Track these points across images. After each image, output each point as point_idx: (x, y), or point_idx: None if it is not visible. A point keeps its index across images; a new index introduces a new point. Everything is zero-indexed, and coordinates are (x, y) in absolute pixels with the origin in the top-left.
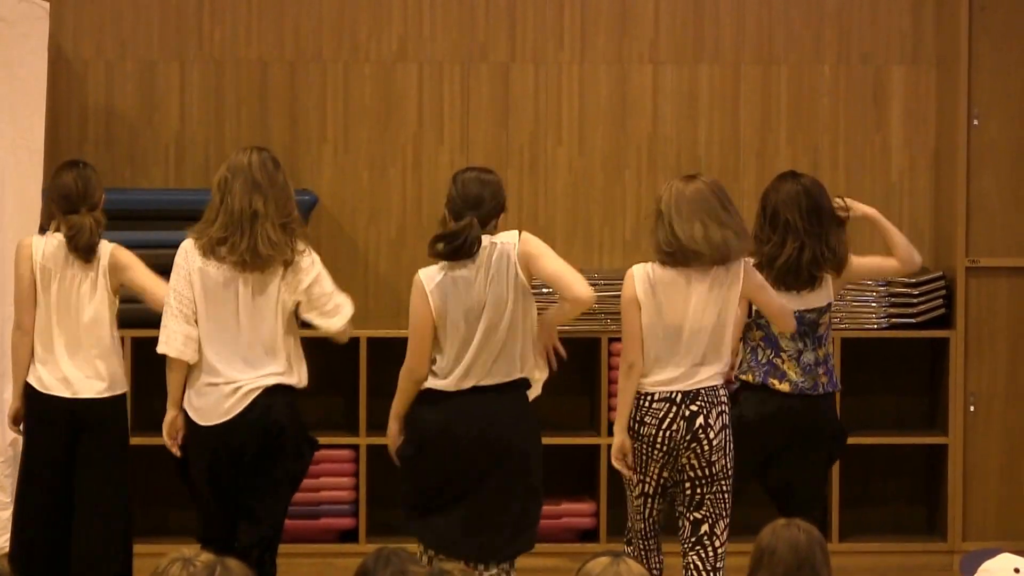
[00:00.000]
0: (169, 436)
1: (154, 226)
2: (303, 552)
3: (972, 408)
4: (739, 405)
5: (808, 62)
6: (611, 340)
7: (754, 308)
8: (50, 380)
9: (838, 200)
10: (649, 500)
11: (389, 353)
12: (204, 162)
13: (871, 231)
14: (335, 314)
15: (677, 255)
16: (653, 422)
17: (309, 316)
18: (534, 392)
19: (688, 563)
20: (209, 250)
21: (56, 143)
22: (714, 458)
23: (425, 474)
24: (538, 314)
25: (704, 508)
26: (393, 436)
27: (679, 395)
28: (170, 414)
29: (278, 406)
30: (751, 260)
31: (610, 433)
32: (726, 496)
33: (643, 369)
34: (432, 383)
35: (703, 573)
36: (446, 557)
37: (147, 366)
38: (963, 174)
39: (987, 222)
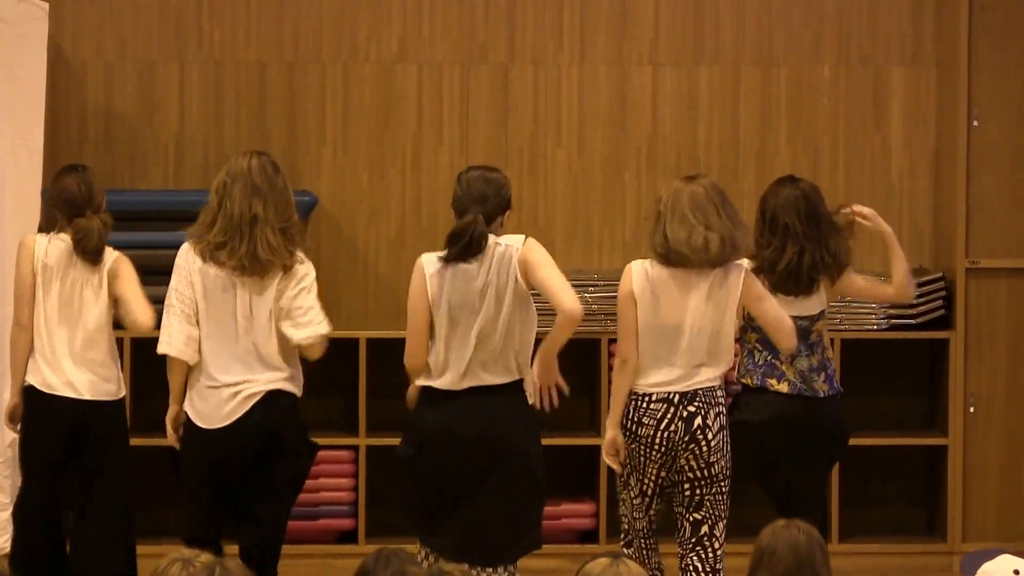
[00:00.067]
0: (174, 429)
1: (154, 227)
2: (302, 553)
3: (972, 409)
4: (741, 408)
5: (808, 63)
6: (611, 341)
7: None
8: (54, 381)
9: (857, 207)
10: (647, 500)
11: (389, 354)
12: (203, 163)
13: (871, 243)
14: (306, 326)
15: (668, 257)
16: (651, 423)
17: (283, 324)
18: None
19: (688, 564)
20: (208, 255)
21: (55, 144)
22: (712, 459)
23: (425, 474)
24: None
25: (704, 509)
26: (411, 398)
27: (677, 396)
28: (173, 409)
29: (278, 410)
30: (746, 264)
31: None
32: (725, 497)
33: (639, 368)
34: (428, 381)
35: (703, 574)
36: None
37: (146, 368)
38: (963, 175)
39: (987, 223)
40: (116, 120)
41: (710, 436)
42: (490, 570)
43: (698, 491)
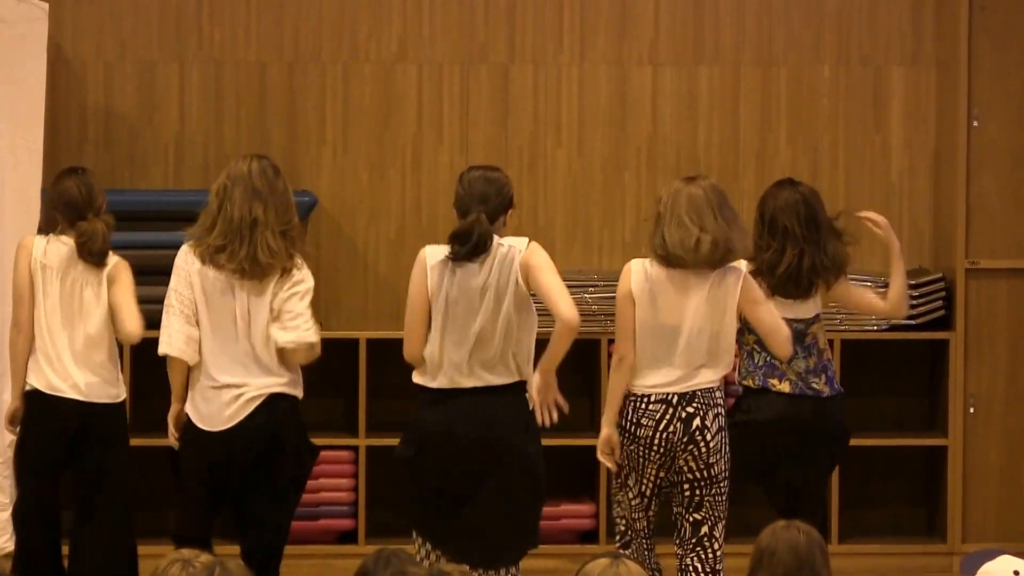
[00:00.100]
0: (175, 428)
1: (153, 227)
2: (302, 553)
3: (972, 410)
4: (743, 410)
5: (808, 63)
6: (610, 342)
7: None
8: (58, 382)
9: (871, 214)
10: (647, 501)
11: (388, 354)
12: (203, 163)
13: (871, 245)
14: (292, 330)
15: (668, 259)
16: (650, 424)
17: (271, 326)
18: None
19: (687, 565)
20: (207, 257)
21: (55, 144)
22: (712, 460)
23: (425, 474)
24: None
25: (703, 510)
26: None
27: (675, 397)
28: (175, 407)
29: (279, 413)
30: (744, 266)
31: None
32: (724, 498)
33: (638, 368)
34: (424, 381)
35: (703, 574)
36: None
37: (146, 368)
38: (963, 175)
39: (987, 223)
40: (116, 120)
41: (708, 437)
42: (492, 572)
43: (697, 492)
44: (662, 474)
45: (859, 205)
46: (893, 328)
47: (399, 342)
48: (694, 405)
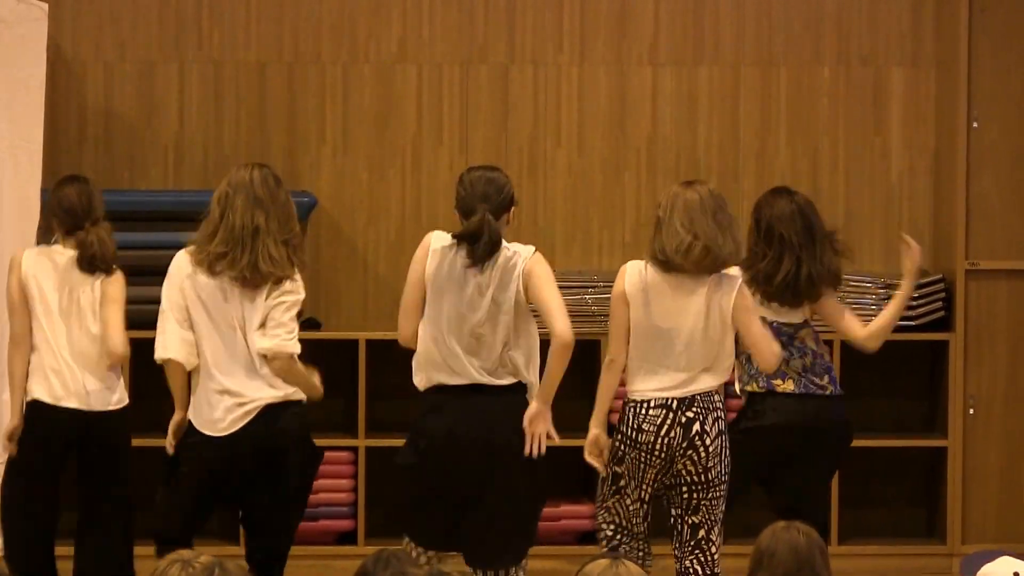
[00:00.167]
0: (175, 436)
1: (153, 227)
2: (302, 554)
3: (972, 411)
4: (750, 416)
5: (808, 64)
6: None
7: None
8: (60, 391)
9: (909, 238)
10: (646, 507)
11: (388, 355)
12: (203, 163)
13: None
14: (272, 338)
15: (668, 264)
16: (651, 429)
17: (254, 334)
18: None
19: (687, 568)
20: (208, 265)
21: (55, 144)
22: (710, 464)
23: (427, 479)
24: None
25: (701, 513)
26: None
27: (675, 401)
28: (178, 415)
29: (283, 419)
30: (737, 273)
31: (610, 435)
32: (721, 501)
33: (634, 371)
34: (422, 381)
35: None
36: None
37: (146, 368)
38: (963, 176)
39: (987, 224)
40: (116, 120)
41: (708, 442)
42: (492, 572)
43: (695, 495)
44: (660, 478)
45: (859, 206)
46: (893, 329)
47: (398, 343)
48: (694, 410)
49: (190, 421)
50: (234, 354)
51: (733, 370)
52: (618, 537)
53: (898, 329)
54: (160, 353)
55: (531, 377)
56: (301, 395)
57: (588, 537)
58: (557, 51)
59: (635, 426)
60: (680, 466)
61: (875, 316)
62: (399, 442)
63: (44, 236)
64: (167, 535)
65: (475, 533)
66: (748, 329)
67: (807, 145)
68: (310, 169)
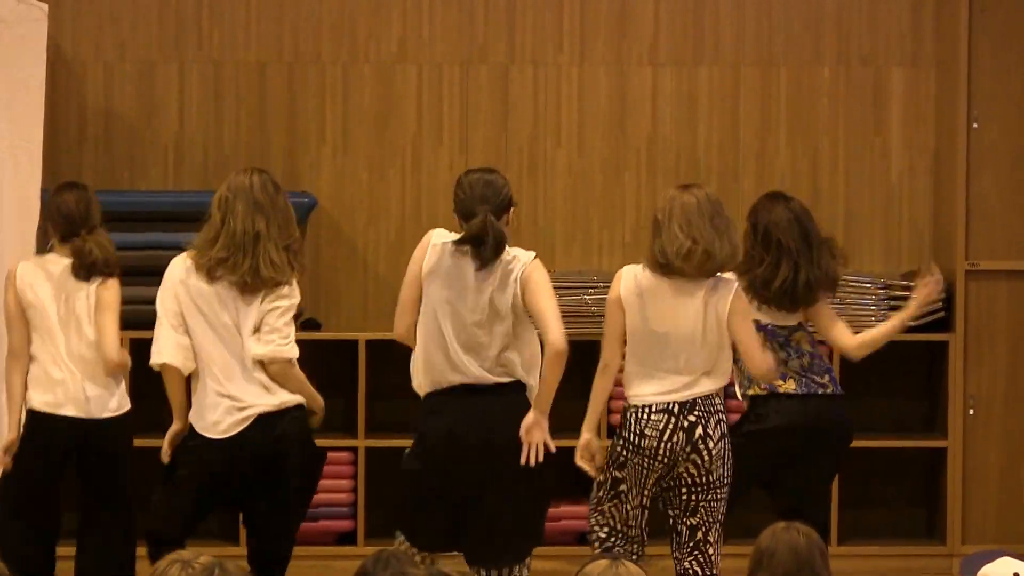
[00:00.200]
0: (171, 446)
1: (153, 227)
2: (301, 555)
3: (971, 411)
4: (752, 420)
5: (808, 64)
6: None
7: None
8: (63, 399)
9: (936, 274)
10: (645, 511)
11: (388, 356)
12: (203, 164)
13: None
14: (266, 344)
15: (668, 267)
16: (654, 434)
17: (250, 339)
18: None
19: (686, 569)
20: (209, 270)
21: (55, 144)
22: (713, 467)
23: (430, 481)
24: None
25: (700, 514)
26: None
27: (676, 406)
28: (175, 425)
29: (284, 424)
30: (733, 277)
31: (609, 436)
32: (721, 503)
33: (633, 376)
34: (421, 384)
35: None
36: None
37: (146, 369)
38: (963, 176)
39: (987, 225)
40: (116, 120)
41: (711, 445)
42: (496, 572)
43: (694, 496)
44: (660, 482)
45: (859, 206)
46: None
47: (398, 343)
48: (696, 413)
49: (191, 424)
50: (231, 358)
51: (732, 373)
52: (612, 539)
53: None
54: (155, 358)
55: (531, 380)
56: (299, 399)
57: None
58: (557, 51)
59: (637, 431)
60: (682, 469)
61: (874, 318)
62: (399, 442)
63: (44, 238)
64: (166, 536)
65: (476, 533)
66: (740, 335)
67: (807, 145)
68: (310, 169)
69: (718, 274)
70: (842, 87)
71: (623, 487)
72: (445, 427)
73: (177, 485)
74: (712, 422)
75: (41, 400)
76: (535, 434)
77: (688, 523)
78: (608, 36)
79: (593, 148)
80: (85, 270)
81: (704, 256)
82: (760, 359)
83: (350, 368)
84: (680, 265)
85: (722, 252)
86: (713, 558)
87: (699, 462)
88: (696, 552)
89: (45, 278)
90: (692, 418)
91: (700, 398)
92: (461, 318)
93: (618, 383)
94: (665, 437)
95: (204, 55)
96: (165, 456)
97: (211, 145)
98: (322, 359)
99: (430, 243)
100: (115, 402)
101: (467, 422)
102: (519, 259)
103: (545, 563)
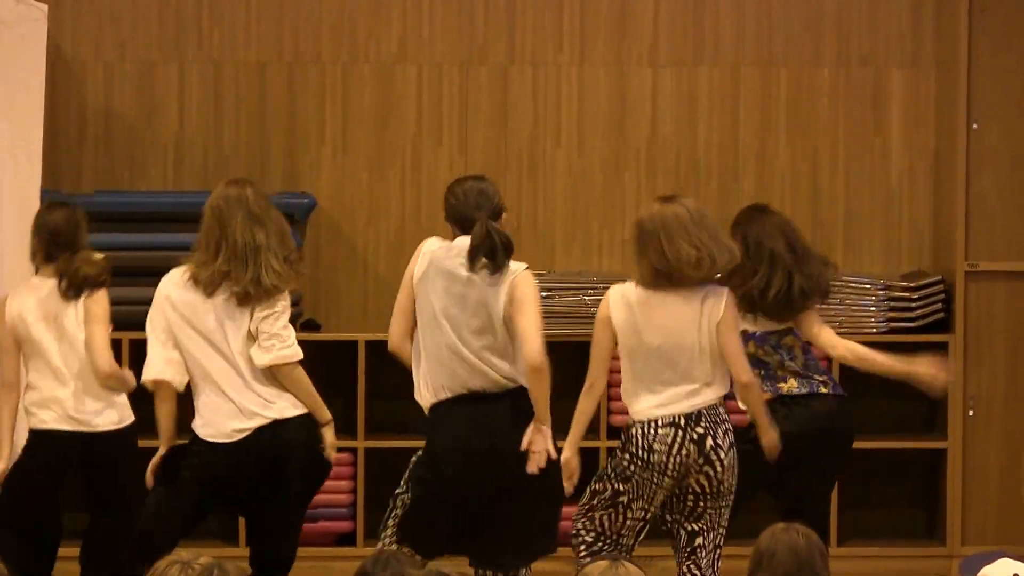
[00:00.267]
0: (153, 472)
1: (153, 228)
2: (302, 555)
3: (971, 412)
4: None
5: (808, 64)
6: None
7: None
8: (63, 414)
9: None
10: (646, 525)
11: (388, 356)
12: (203, 164)
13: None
14: (267, 351)
15: (672, 276)
16: (662, 448)
17: (251, 350)
18: None
19: (685, 572)
20: (211, 284)
21: (55, 145)
22: (724, 477)
23: (433, 484)
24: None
25: (703, 521)
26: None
27: (681, 418)
28: (162, 449)
29: (288, 431)
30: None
31: (609, 436)
32: (727, 510)
33: (632, 392)
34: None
35: None
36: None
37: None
38: (963, 177)
39: (986, 225)
40: (116, 121)
41: (723, 455)
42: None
43: (702, 504)
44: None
45: (859, 206)
46: (892, 331)
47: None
48: (703, 425)
49: (194, 432)
50: (228, 366)
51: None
52: (599, 544)
53: (897, 331)
54: (146, 375)
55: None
56: (300, 409)
57: None
58: (557, 51)
59: (645, 446)
60: (692, 480)
61: (876, 319)
62: (399, 443)
63: (32, 259)
64: (160, 537)
65: (485, 538)
66: (728, 344)
67: (807, 145)
68: (310, 169)
69: (705, 283)
70: (842, 88)
71: (622, 499)
72: (450, 440)
73: (179, 487)
74: (720, 432)
75: (41, 419)
76: (538, 443)
77: (690, 528)
78: (608, 36)
79: (593, 148)
80: (75, 289)
81: (710, 262)
82: (744, 368)
83: (350, 368)
84: (690, 273)
85: (721, 257)
86: (713, 561)
87: (711, 473)
88: (694, 556)
89: (34, 303)
90: (700, 430)
91: (704, 409)
92: (461, 326)
93: (618, 397)
94: (674, 451)
95: (204, 55)
96: (149, 481)
97: (211, 145)
98: (322, 359)
99: (422, 250)
100: (116, 415)
101: (471, 430)
102: (510, 269)
103: (545, 564)
